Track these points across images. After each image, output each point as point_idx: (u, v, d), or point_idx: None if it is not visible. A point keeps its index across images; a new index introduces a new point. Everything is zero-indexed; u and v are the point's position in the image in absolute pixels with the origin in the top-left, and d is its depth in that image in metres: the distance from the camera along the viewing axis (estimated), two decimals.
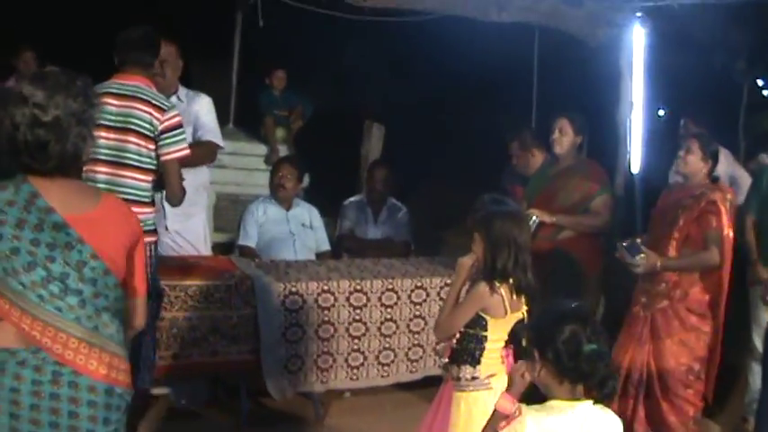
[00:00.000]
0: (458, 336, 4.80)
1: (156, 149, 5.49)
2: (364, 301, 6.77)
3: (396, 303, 6.89)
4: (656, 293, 6.39)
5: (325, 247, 8.22)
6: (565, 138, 7.16)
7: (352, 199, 9.07)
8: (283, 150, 10.86)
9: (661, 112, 11.11)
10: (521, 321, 4.76)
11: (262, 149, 11.01)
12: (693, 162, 6.49)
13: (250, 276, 6.55)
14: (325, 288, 6.63)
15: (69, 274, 3.38)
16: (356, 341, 6.76)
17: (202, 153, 6.86)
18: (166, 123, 5.49)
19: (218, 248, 7.82)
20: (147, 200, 5.53)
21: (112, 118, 5.43)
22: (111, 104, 5.43)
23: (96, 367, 3.42)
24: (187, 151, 5.60)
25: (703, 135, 6.71)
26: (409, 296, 6.93)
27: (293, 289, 6.51)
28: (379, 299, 6.81)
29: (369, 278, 6.87)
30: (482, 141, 9.93)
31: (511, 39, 9.48)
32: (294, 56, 11.37)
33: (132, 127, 5.45)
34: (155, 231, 5.63)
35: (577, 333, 3.46)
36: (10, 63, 8.67)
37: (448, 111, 10.99)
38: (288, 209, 8.03)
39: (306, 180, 9.14)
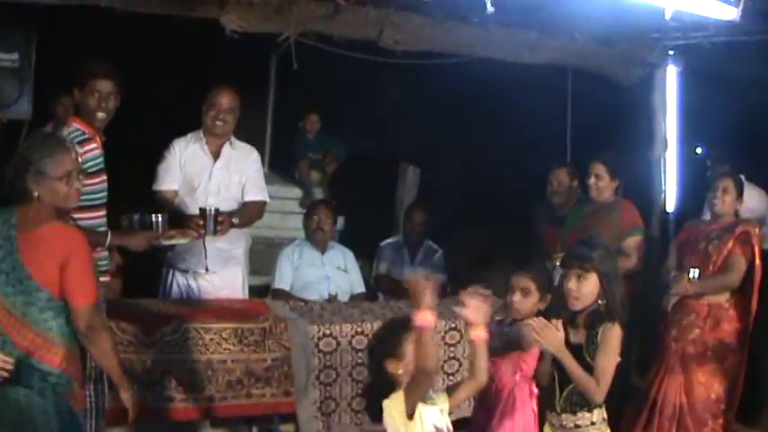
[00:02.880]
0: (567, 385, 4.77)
1: None
2: None
3: (458, 341, 6.90)
4: (687, 324, 6.40)
5: (360, 289, 8.23)
6: (601, 183, 7.16)
7: (389, 240, 9.10)
8: (318, 193, 10.93)
9: (699, 150, 11.05)
10: None
11: (296, 192, 11.08)
12: (729, 202, 6.53)
13: (284, 319, 6.58)
14: (359, 330, 6.64)
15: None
16: None
17: (255, 213, 7.12)
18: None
19: (253, 291, 7.84)
20: None
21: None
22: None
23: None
24: None
25: (735, 174, 6.72)
26: (443, 337, 6.92)
27: (327, 331, 6.52)
28: (443, 338, 6.83)
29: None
30: (517, 182, 9.91)
31: (544, 79, 9.50)
32: (328, 99, 11.42)
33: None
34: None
35: None
36: (50, 108, 8.76)
37: (482, 151, 10.97)
38: (323, 252, 8.05)
39: (340, 223, 9.17)
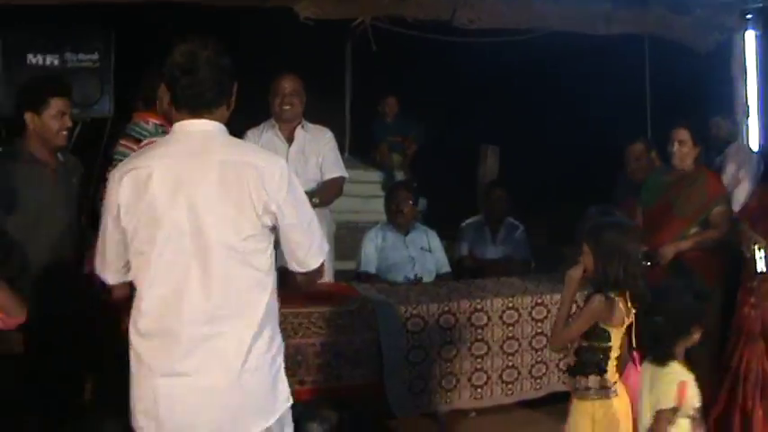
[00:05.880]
0: (578, 348, 4.83)
1: None
2: (485, 320, 6.80)
3: (517, 321, 6.90)
4: (766, 291, 6.33)
5: (446, 269, 8.25)
6: (684, 148, 6.95)
7: (469, 220, 9.12)
8: (399, 176, 10.98)
9: None
10: (630, 327, 4.80)
11: (378, 176, 11.14)
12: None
13: (371, 300, 6.64)
14: (446, 309, 6.67)
15: None
16: (479, 360, 6.78)
17: (334, 190, 7.20)
18: None
19: (340, 276, 7.90)
20: None
21: (116, 157, 5.82)
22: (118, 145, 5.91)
23: None
24: None
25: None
26: (530, 313, 6.93)
27: (414, 311, 6.56)
28: (500, 317, 6.83)
29: (489, 297, 6.89)
30: (597, 155, 9.86)
31: (621, 50, 9.44)
32: (405, 82, 11.46)
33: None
34: None
35: None
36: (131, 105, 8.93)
37: (561, 127, 10.92)
38: (406, 233, 8.09)
39: (422, 204, 9.21)
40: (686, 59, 9.33)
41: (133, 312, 3.66)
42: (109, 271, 3.81)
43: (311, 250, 3.78)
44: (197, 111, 3.66)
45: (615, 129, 9.15)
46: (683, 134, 6.96)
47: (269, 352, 3.66)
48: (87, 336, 5.89)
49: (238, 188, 3.57)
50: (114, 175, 3.66)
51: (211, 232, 3.55)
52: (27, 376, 5.23)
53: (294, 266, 3.81)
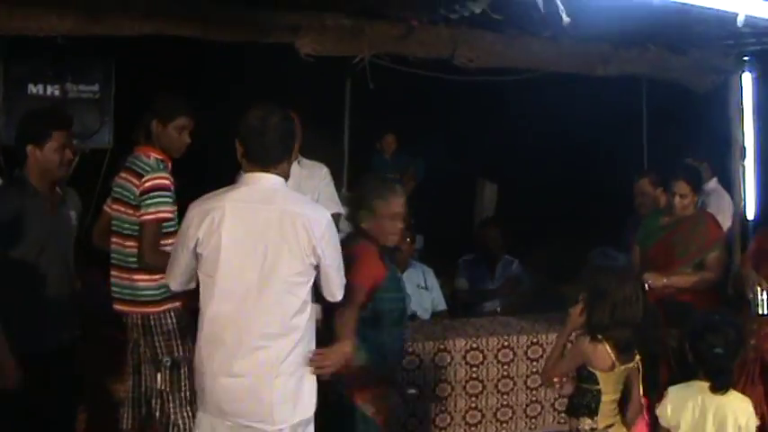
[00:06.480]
0: (574, 390, 4.87)
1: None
2: (481, 358, 6.83)
3: (512, 360, 6.92)
4: (765, 334, 6.34)
5: (442, 306, 8.27)
6: (686, 200, 7.03)
7: (467, 257, 9.13)
8: None
9: None
10: (636, 371, 4.84)
11: None
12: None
13: None
14: (442, 347, 6.69)
15: None
16: (473, 399, 6.80)
17: None
18: (143, 187, 5.59)
19: None
20: (133, 266, 5.67)
21: (116, 189, 5.79)
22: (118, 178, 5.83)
23: None
24: (163, 214, 5.61)
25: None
26: (525, 353, 6.95)
27: (409, 349, 6.57)
28: (496, 356, 6.84)
29: (485, 336, 6.92)
30: (594, 194, 9.90)
31: (618, 91, 9.48)
32: (404, 119, 11.50)
33: (118, 196, 5.75)
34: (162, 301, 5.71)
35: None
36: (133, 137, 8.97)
37: (559, 166, 10.97)
38: (402, 271, 8.07)
39: (419, 241, 9.22)
40: (684, 100, 9.37)
41: (200, 321, 4.57)
42: (174, 281, 4.75)
43: (340, 285, 4.68)
44: (265, 166, 4.54)
45: (613, 169, 9.18)
46: (684, 187, 7.00)
47: (300, 364, 4.50)
48: (79, 368, 5.92)
49: (293, 234, 4.41)
50: (194, 210, 4.57)
51: (269, 267, 4.40)
52: (23, 411, 5.21)
53: (328, 297, 4.69)
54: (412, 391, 6.50)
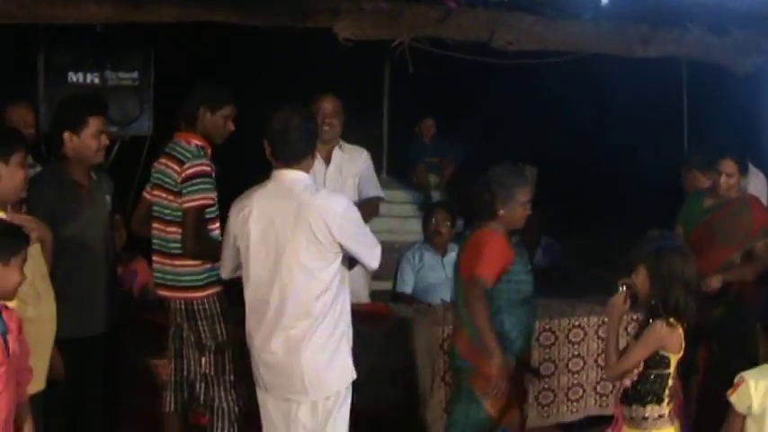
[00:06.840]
0: (637, 376, 4.78)
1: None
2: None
3: (554, 343, 6.88)
4: None
5: None
6: (732, 180, 6.72)
7: None
8: (436, 196, 10.97)
9: None
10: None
11: (415, 197, 11.15)
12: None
13: (408, 322, 6.62)
14: None
15: None
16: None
17: (370, 210, 6.95)
18: (185, 174, 5.62)
19: (376, 296, 7.89)
20: (175, 251, 5.71)
21: (155, 176, 5.82)
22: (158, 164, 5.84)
23: None
24: (205, 201, 5.66)
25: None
26: (567, 336, 6.91)
27: (451, 332, 6.54)
28: (537, 339, 6.79)
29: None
30: (634, 178, 9.85)
31: (658, 73, 9.41)
32: (443, 102, 11.48)
33: (159, 183, 5.77)
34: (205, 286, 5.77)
35: None
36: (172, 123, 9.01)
37: (598, 149, 10.91)
38: (443, 254, 8.07)
39: (460, 225, 9.20)
40: (724, 82, 9.28)
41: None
42: (224, 271, 5.26)
43: (371, 258, 5.06)
44: (289, 163, 4.95)
45: (653, 152, 9.11)
46: (731, 166, 6.69)
47: (328, 340, 4.91)
48: (122, 352, 6.00)
49: (309, 223, 4.80)
50: (233, 209, 5.04)
51: (289, 256, 4.83)
52: (69, 395, 5.27)
53: (365, 267, 5.19)
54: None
